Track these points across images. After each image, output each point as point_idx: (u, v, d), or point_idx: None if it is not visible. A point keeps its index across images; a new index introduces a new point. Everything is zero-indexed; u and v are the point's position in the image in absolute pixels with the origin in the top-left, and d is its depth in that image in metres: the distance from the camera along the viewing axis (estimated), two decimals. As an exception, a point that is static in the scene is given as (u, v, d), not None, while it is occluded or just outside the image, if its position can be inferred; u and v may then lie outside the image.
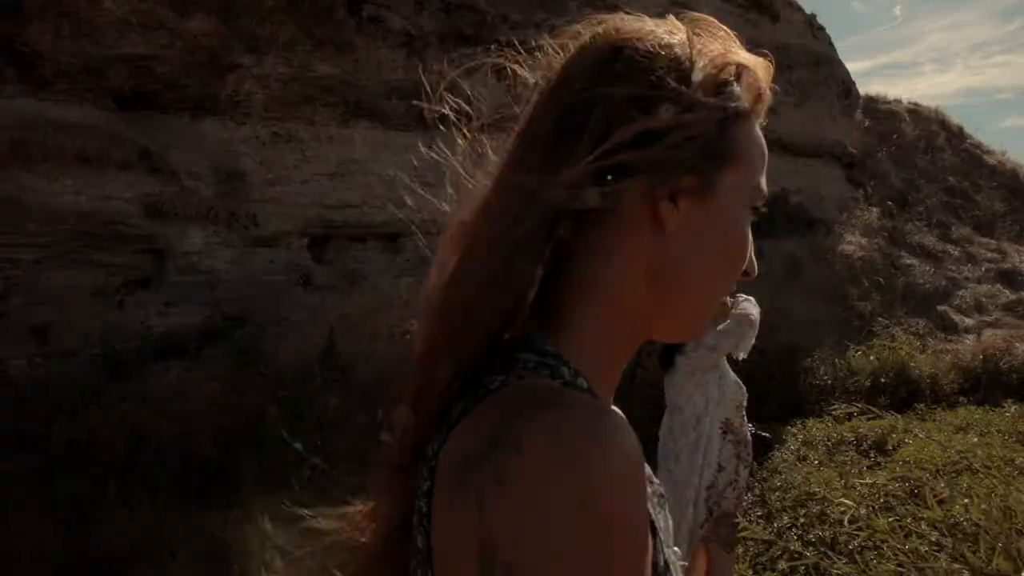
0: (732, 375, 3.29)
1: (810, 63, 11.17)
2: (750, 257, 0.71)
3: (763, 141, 0.72)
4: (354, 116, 6.52)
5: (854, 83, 13.34)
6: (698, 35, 0.69)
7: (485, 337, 0.62)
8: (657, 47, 0.66)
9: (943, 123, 15.45)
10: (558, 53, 0.70)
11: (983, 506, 2.87)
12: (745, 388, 3.33)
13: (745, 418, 3.33)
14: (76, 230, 5.82)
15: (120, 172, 5.79)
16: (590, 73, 0.66)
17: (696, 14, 0.72)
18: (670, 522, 0.71)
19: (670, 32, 0.69)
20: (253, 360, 6.04)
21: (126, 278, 5.97)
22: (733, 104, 0.67)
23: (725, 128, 0.67)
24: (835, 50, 13.02)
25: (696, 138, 0.64)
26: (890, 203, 12.30)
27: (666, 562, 0.63)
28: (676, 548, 0.72)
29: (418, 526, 0.60)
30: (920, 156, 14.06)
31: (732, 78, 0.68)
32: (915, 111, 15.44)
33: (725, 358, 3.31)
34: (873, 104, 14.77)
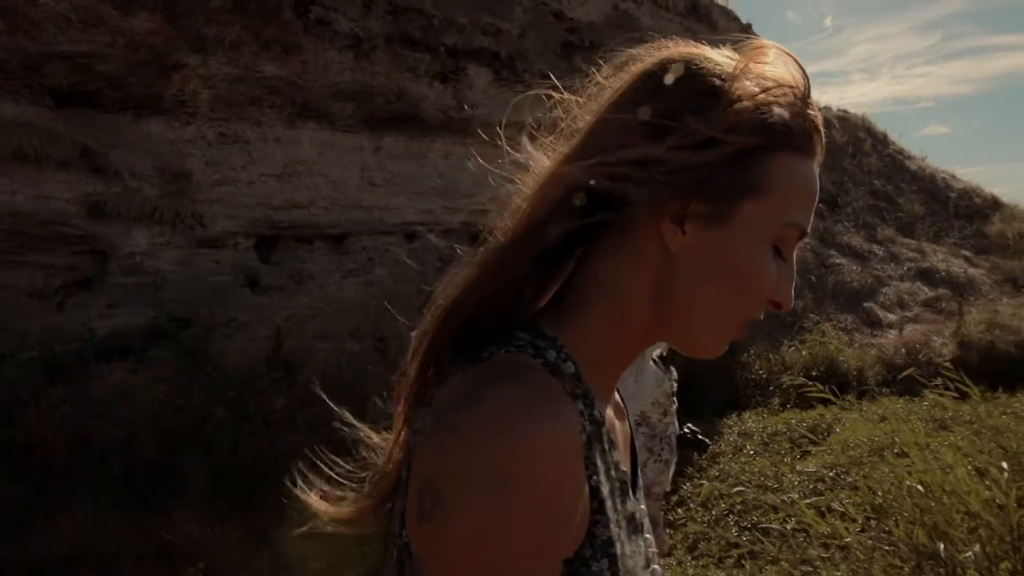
0: (653, 372, 3.37)
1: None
2: (785, 289, 0.72)
3: (812, 178, 0.71)
4: (301, 117, 6.51)
5: (787, 90, 13.88)
6: (760, 64, 0.71)
7: (472, 315, 0.69)
8: (692, 75, 0.69)
9: (869, 129, 16.14)
10: (614, 76, 0.74)
11: (902, 486, 3.12)
12: (669, 387, 3.40)
13: (671, 416, 3.41)
14: (12, 231, 5.68)
15: (59, 171, 5.67)
16: (627, 96, 0.71)
17: (766, 42, 0.73)
18: (635, 509, 0.74)
19: (720, 61, 0.71)
20: (199, 361, 5.99)
21: (66, 279, 5.85)
22: (759, 139, 0.68)
23: (750, 160, 0.68)
24: (769, 58, 13.54)
25: (701, 167, 0.67)
26: (821, 205, 12.80)
27: (609, 538, 0.66)
28: (648, 536, 0.77)
29: (405, 461, 0.68)
30: (848, 160, 14.68)
31: (770, 111, 0.68)
32: (844, 118, 16.09)
33: (648, 356, 3.39)
34: (805, 110, 15.36)
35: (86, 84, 5.84)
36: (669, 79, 0.69)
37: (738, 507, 5.03)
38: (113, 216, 5.85)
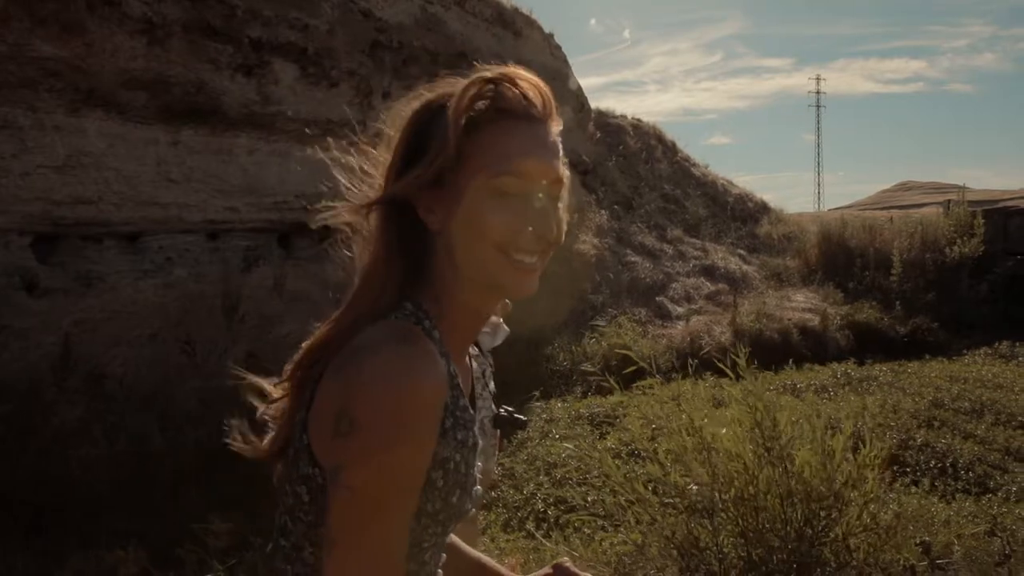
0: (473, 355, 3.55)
1: (548, 78, 12.17)
2: (515, 226, 0.91)
3: (505, 135, 0.92)
4: (86, 105, 5.97)
5: (587, 98, 14.78)
6: (449, 91, 0.93)
7: (373, 298, 0.93)
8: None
9: (660, 138, 17.57)
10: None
11: (677, 454, 3.56)
12: (481, 371, 3.61)
13: (485, 399, 3.61)
14: None
15: None
16: (404, 133, 0.97)
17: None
18: (482, 442, 0.98)
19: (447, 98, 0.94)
20: (-35, 374, 5.35)
21: None
22: (453, 139, 0.90)
23: (451, 149, 0.91)
24: (570, 67, 14.31)
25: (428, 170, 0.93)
26: (617, 207, 13.83)
27: (447, 457, 0.89)
28: (479, 463, 0.99)
29: (305, 405, 0.91)
30: (642, 166, 15.90)
31: (449, 117, 0.91)
32: (638, 126, 17.38)
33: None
34: (604, 118, 16.41)
35: None
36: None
37: (546, 485, 5.37)
38: None
